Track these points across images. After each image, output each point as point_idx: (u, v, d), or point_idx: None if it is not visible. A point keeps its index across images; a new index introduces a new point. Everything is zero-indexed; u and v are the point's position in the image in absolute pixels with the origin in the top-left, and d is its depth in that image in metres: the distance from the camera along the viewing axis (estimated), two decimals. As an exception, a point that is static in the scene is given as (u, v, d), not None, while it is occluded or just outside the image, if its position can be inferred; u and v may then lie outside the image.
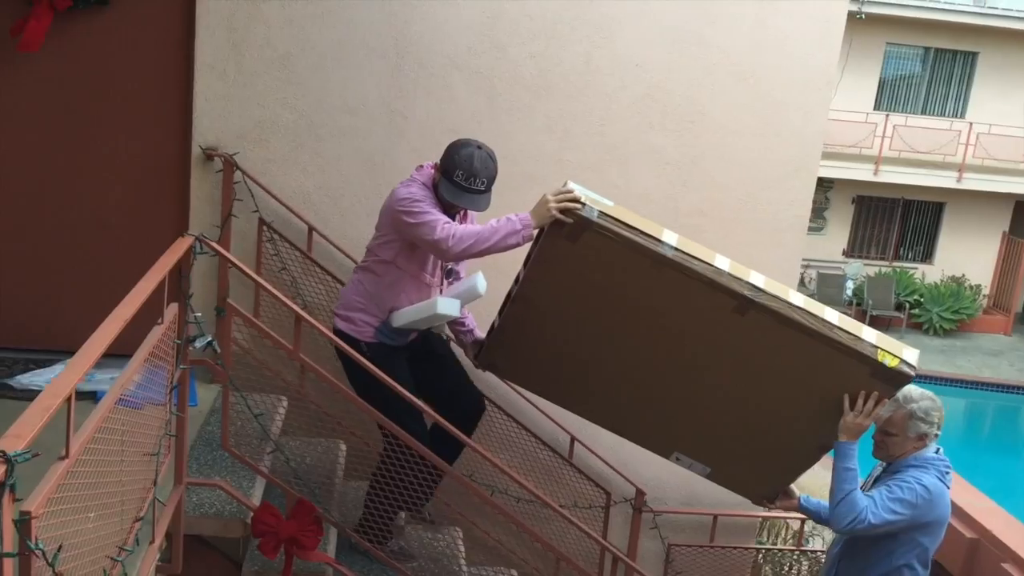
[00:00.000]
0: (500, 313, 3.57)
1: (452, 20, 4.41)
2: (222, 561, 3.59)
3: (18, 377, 4.11)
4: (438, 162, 3.59)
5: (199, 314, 3.06)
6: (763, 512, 4.79)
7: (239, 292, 4.25)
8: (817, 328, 3.16)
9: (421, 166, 3.68)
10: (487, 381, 4.27)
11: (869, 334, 3.22)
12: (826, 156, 16.15)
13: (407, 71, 4.40)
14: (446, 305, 3.62)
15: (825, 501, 3.48)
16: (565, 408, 3.84)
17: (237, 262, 3.15)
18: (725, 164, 4.76)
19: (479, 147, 3.54)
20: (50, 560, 1.75)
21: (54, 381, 1.87)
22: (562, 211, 3.16)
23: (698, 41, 4.60)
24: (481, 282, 3.71)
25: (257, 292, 4.35)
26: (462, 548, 4.41)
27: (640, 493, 4.96)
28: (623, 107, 4.63)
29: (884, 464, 3.48)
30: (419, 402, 3.54)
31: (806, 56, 4.69)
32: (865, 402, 3.23)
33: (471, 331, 3.93)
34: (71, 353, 2.40)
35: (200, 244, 3.00)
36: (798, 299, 3.23)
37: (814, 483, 4.37)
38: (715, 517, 5.07)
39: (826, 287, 17.32)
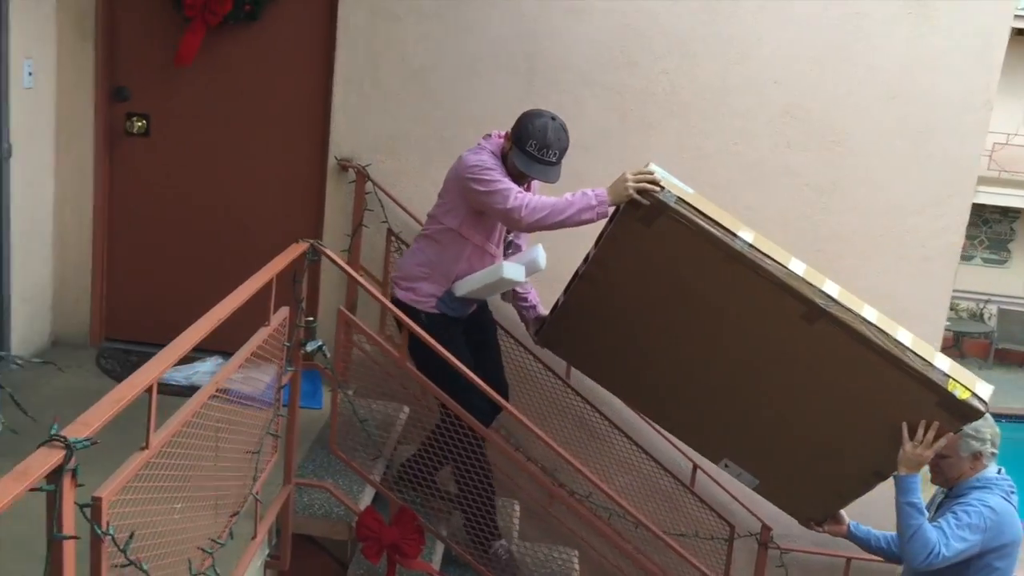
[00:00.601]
0: (566, 291, 3.49)
1: (585, 36, 4.38)
2: (330, 562, 3.66)
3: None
4: (508, 132, 3.51)
5: (311, 318, 3.15)
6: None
7: (369, 300, 4.36)
8: (887, 347, 3.00)
9: (489, 135, 3.61)
10: (604, 398, 4.20)
11: (942, 361, 3.03)
12: (1009, 184, 15.23)
13: (538, 87, 4.40)
14: (512, 270, 3.53)
15: (875, 529, 3.32)
16: (619, 397, 3.76)
17: (344, 266, 3.22)
18: (869, 188, 4.51)
19: (553, 118, 3.47)
20: (121, 546, 1.82)
21: (136, 374, 1.94)
22: (639, 191, 3.08)
23: (844, 58, 4.39)
24: (541, 255, 3.64)
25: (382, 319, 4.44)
26: (577, 568, 4.35)
27: (766, 528, 4.74)
28: (759, 125, 4.47)
29: (945, 490, 3.29)
30: (477, 379, 3.42)
31: (963, 75, 4.39)
32: (925, 432, 3.04)
33: (534, 307, 3.86)
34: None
35: (313, 250, 3.09)
36: (871, 314, 3.05)
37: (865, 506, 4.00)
38: (848, 560, 4.79)
39: (1008, 324, 16.14)
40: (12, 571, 1.53)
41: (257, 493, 2.85)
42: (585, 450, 4.63)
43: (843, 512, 3.46)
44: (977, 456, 3.15)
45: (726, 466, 3.53)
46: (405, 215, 4.45)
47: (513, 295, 3.82)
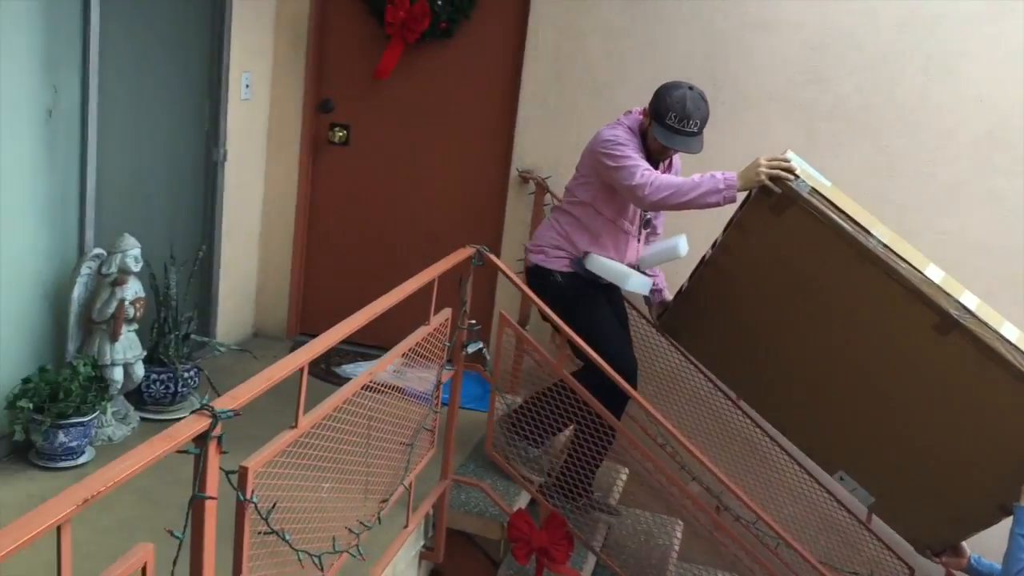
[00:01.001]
0: (691, 277, 3.41)
1: (773, 52, 4.29)
2: (483, 560, 3.76)
3: (344, 367, 4.64)
4: (647, 107, 3.46)
5: (474, 321, 3.26)
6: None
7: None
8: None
9: (629, 111, 3.57)
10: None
11: None
12: None
13: (723, 102, 4.34)
14: (637, 283, 3.49)
15: (999, 565, 3.02)
16: (734, 392, 3.67)
17: (510, 273, 3.30)
18: (1085, 217, 4.14)
19: (690, 88, 3.39)
20: (264, 515, 1.97)
21: (289, 356, 2.10)
22: (772, 179, 2.98)
23: (1060, 77, 4.06)
24: (683, 244, 3.55)
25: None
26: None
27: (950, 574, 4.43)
28: (961, 146, 4.20)
29: None
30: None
31: None
32: None
33: (660, 291, 3.80)
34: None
35: (479, 255, 3.20)
36: (1012, 332, 2.82)
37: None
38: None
39: None
40: (160, 524, 1.70)
41: (409, 484, 2.99)
42: (753, 474, 4.50)
43: (964, 544, 3.23)
44: None
45: (841, 479, 3.36)
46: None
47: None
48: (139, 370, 3.73)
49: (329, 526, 2.39)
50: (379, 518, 2.72)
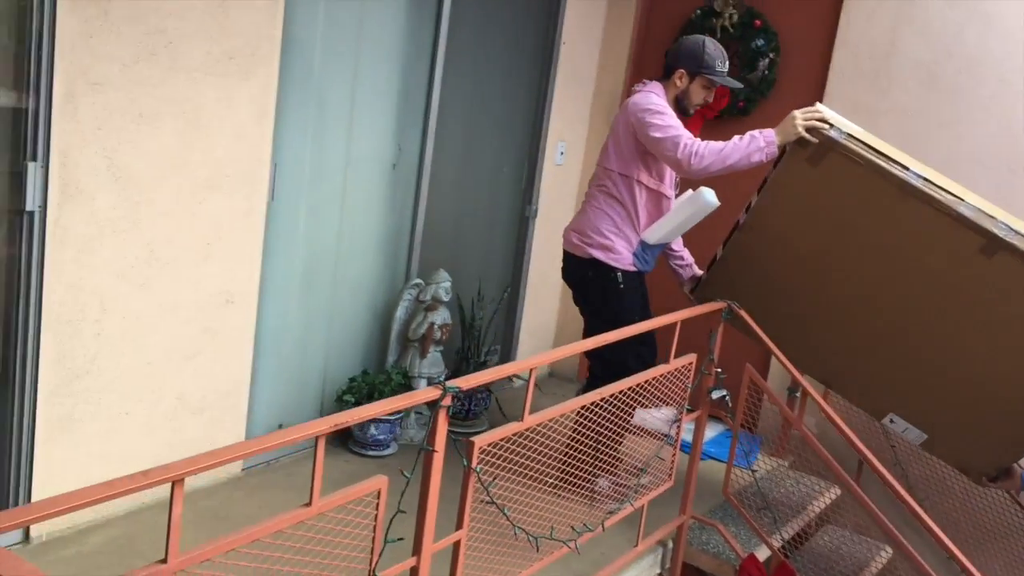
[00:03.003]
0: (724, 245, 3.39)
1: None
2: (716, 600, 3.94)
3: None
4: (670, 76, 3.58)
5: (719, 370, 3.54)
6: None
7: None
8: None
9: (643, 81, 3.67)
10: None
11: None
12: None
13: (1019, 186, 4.25)
14: (709, 193, 3.44)
15: None
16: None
17: (762, 334, 3.53)
18: None
19: (704, 37, 3.61)
20: (485, 485, 2.43)
21: (515, 362, 2.56)
22: (808, 130, 3.04)
23: None
24: (710, 195, 3.47)
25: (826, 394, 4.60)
26: None
27: None
28: None
29: None
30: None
31: None
32: None
33: (689, 265, 3.86)
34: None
35: (729, 310, 3.49)
36: None
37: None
38: None
39: None
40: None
41: (641, 508, 3.32)
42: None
43: (1016, 465, 3.31)
44: None
45: (891, 422, 3.34)
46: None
47: (668, 253, 3.87)
48: (440, 384, 4.41)
49: (551, 517, 2.80)
50: (603, 526, 3.07)
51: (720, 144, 3.31)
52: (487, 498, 2.47)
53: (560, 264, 3.86)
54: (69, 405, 3.08)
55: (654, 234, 3.62)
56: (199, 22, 3.14)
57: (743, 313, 3.51)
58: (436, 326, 4.28)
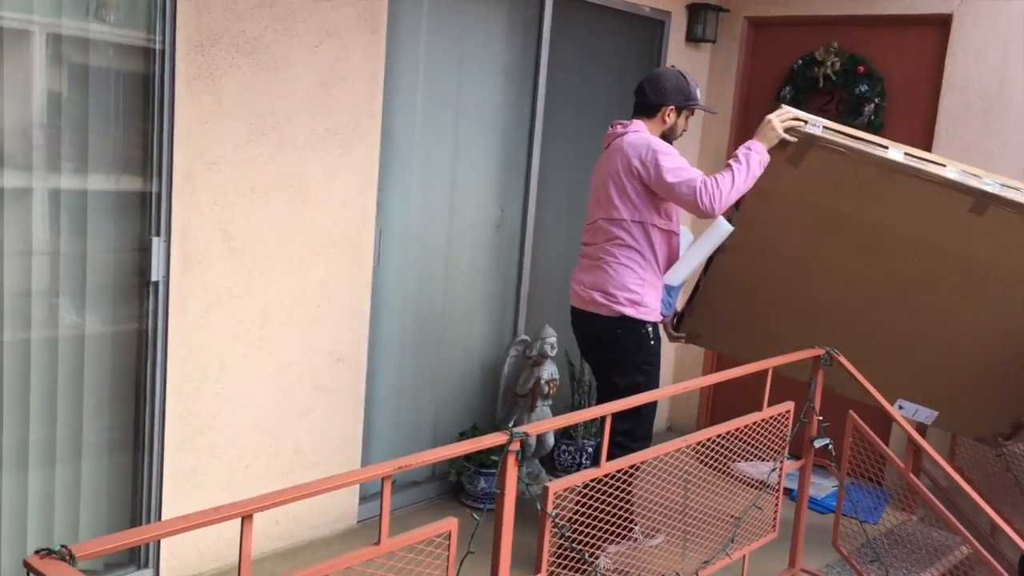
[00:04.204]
0: (704, 273, 3.35)
1: None
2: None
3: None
4: (655, 114, 3.48)
5: (820, 418, 3.48)
6: None
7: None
8: None
9: (622, 124, 3.51)
10: None
11: None
12: None
13: None
14: (724, 221, 3.35)
15: None
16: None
17: (860, 377, 3.46)
18: None
19: (669, 68, 3.55)
20: (560, 528, 2.50)
21: (581, 411, 2.64)
22: (787, 130, 3.05)
23: None
24: (725, 222, 3.38)
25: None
26: None
27: None
28: None
29: None
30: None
31: None
32: None
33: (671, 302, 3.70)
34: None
35: (828, 358, 3.45)
36: None
37: None
38: None
39: None
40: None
41: (742, 557, 3.29)
42: None
43: None
44: None
45: (900, 407, 3.32)
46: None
47: None
48: (549, 439, 4.50)
49: (640, 565, 2.83)
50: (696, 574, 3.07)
51: (728, 177, 3.21)
52: (566, 543, 2.53)
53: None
54: (193, 459, 3.34)
55: (679, 275, 3.54)
56: (304, 103, 3.43)
57: (844, 361, 3.45)
58: (543, 381, 4.38)
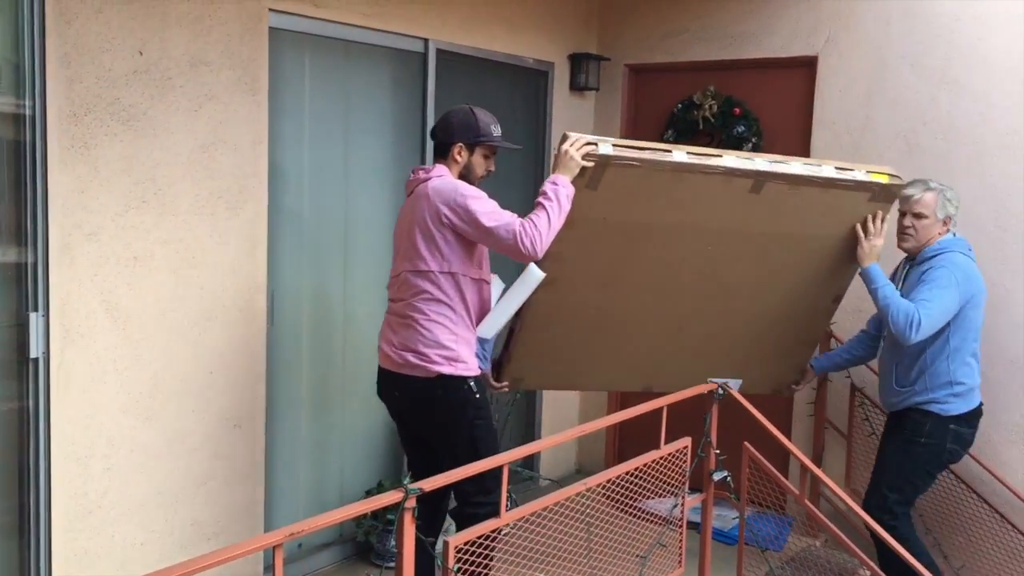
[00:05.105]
0: (518, 314, 3.40)
1: None
2: None
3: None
4: (447, 155, 3.28)
5: (718, 451, 3.55)
6: None
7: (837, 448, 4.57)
8: (822, 176, 3.40)
9: (424, 169, 3.30)
10: None
11: (858, 170, 3.50)
12: None
13: None
14: (533, 277, 3.24)
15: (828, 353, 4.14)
16: (593, 389, 4.01)
17: (749, 406, 3.54)
18: None
19: (463, 105, 3.36)
20: (463, 583, 2.49)
21: (497, 456, 2.64)
22: (584, 156, 3.12)
23: None
24: (536, 269, 3.27)
25: (849, 450, 4.57)
26: None
27: None
28: None
29: (908, 264, 3.78)
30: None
31: None
32: (873, 223, 3.58)
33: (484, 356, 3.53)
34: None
35: (722, 390, 3.53)
36: (798, 164, 3.41)
37: None
38: None
39: None
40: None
41: (647, 596, 3.31)
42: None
43: (808, 365, 4.03)
44: (947, 221, 3.68)
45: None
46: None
47: None
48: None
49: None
50: (607, 619, 3.08)
51: (543, 216, 3.09)
52: (470, 598, 2.51)
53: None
54: (84, 539, 3.22)
55: (491, 327, 3.33)
56: (186, 168, 3.39)
57: (736, 394, 3.54)
58: (447, 433, 4.35)
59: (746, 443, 3.60)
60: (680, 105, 5.13)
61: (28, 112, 2.97)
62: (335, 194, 4.11)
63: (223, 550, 1.93)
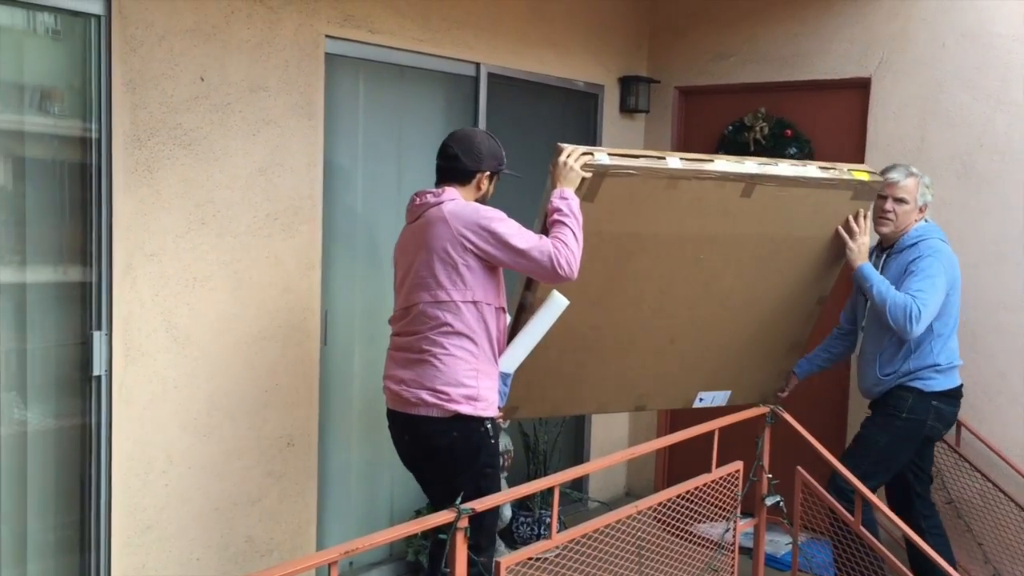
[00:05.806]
0: (508, 341, 3.16)
1: None
2: None
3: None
4: (469, 181, 3.10)
5: (770, 475, 3.53)
6: None
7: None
8: (809, 176, 3.40)
9: (436, 194, 3.07)
10: None
11: (840, 169, 3.51)
12: None
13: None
14: (560, 296, 3.12)
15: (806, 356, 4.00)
16: (586, 412, 3.91)
17: (806, 433, 3.52)
18: None
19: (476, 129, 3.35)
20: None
21: (539, 480, 2.65)
22: (582, 167, 3.02)
23: None
24: (560, 296, 3.16)
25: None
26: None
27: None
28: None
29: (885, 251, 3.80)
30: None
31: None
32: (856, 222, 3.57)
33: None
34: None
35: (772, 416, 3.51)
36: (785, 165, 3.43)
37: None
38: None
39: None
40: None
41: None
42: None
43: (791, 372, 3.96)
44: (923, 208, 3.76)
45: (700, 400, 3.57)
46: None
47: None
48: (507, 512, 4.48)
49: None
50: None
51: (568, 233, 2.96)
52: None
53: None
54: (143, 555, 3.28)
55: (513, 360, 3.15)
56: (244, 191, 3.47)
57: (789, 418, 3.52)
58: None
59: (799, 468, 3.57)
60: (731, 127, 5.12)
61: (94, 136, 3.08)
62: (388, 216, 4.16)
63: (280, 566, 1.96)
